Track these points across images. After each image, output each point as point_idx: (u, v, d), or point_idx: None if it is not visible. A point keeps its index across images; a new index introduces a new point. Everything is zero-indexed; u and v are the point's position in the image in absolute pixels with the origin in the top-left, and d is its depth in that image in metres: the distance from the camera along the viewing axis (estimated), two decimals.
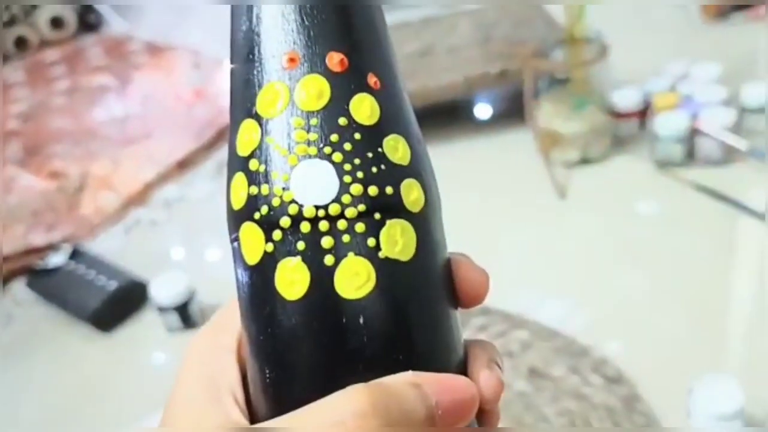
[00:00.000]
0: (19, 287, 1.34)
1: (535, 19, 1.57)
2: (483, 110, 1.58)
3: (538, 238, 1.22)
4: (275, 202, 0.23)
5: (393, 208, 0.23)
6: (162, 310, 1.16)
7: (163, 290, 1.15)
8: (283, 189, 0.23)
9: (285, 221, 0.23)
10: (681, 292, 1.05)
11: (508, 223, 1.26)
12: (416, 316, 0.24)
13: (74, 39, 2.33)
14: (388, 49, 0.25)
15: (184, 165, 1.61)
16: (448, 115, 1.53)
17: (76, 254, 1.33)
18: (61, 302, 1.27)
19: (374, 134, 0.23)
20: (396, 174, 0.23)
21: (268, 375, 0.24)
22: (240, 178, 0.24)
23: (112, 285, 1.24)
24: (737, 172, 1.23)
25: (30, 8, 2.29)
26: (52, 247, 1.39)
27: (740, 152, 1.23)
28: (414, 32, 1.63)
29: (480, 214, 1.29)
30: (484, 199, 1.32)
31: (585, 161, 1.33)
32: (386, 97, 0.24)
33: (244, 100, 0.24)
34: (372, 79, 0.24)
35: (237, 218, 0.24)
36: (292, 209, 0.23)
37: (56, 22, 2.32)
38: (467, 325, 1.06)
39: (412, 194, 0.24)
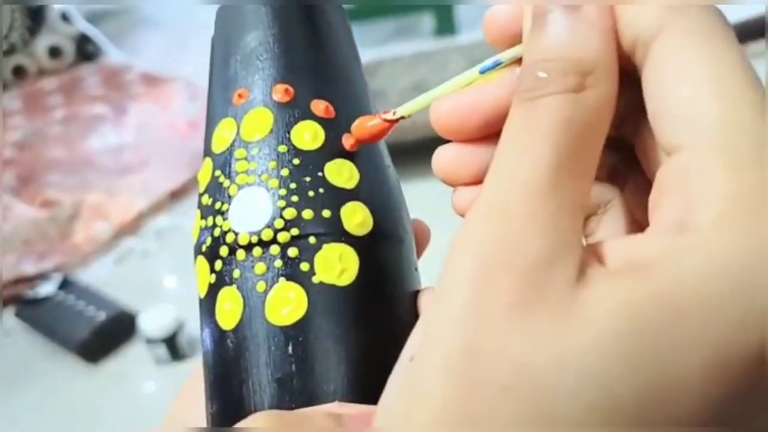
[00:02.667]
0: (8, 317, 1.33)
1: None
2: None
3: None
4: (216, 232, 0.23)
5: (331, 231, 0.22)
6: (150, 341, 1.15)
7: (151, 322, 1.15)
8: (224, 219, 0.23)
9: (224, 250, 0.23)
10: None
11: None
12: (353, 346, 0.22)
13: (72, 68, 2.34)
14: (350, 79, 0.25)
15: (177, 195, 1.61)
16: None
17: (65, 284, 1.32)
18: (50, 332, 1.26)
19: (315, 159, 0.23)
20: (337, 197, 0.22)
21: (210, 409, 0.23)
22: (197, 214, 0.24)
23: (101, 316, 1.23)
24: None
25: (29, 37, 2.32)
26: (42, 276, 1.38)
27: None
28: (407, 67, 1.65)
29: None
30: None
31: None
32: (337, 124, 0.24)
33: (205, 140, 0.25)
34: (320, 106, 0.24)
35: (194, 253, 0.24)
36: (230, 238, 0.22)
37: (54, 52, 2.34)
38: None
39: (355, 218, 0.23)
